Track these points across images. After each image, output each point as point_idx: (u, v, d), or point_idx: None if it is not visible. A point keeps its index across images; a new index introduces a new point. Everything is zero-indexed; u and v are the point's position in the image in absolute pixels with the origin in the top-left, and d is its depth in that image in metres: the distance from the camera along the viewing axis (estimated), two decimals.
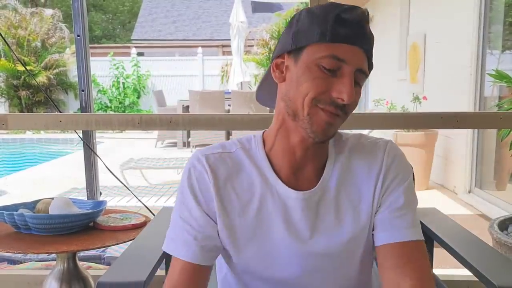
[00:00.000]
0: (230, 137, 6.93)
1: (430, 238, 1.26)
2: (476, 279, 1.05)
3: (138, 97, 11.86)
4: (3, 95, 11.06)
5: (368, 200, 0.87)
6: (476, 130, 4.00)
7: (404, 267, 0.83)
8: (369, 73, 0.83)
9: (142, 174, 5.35)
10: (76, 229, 1.55)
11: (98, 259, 2.42)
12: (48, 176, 5.91)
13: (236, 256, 0.89)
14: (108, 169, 2.22)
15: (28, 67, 10.20)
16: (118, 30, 22.74)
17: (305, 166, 0.87)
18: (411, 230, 0.86)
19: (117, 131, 8.60)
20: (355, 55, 0.79)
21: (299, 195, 0.86)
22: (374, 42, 0.85)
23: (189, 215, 0.86)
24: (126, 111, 11.34)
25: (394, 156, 0.89)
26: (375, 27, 3.99)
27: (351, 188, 0.88)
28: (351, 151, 0.90)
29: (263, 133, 0.91)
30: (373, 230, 0.88)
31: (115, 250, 2.39)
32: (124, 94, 11.71)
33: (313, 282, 0.89)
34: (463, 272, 1.26)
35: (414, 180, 0.96)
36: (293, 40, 0.82)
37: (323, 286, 0.90)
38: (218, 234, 0.87)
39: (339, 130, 0.89)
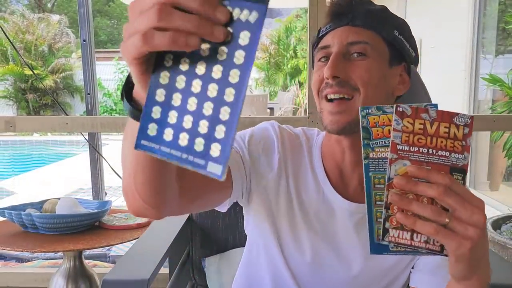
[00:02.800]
0: None
1: None
2: None
3: None
4: (11, 98, 11.17)
5: None
6: None
7: None
8: (394, 33, 0.82)
9: None
10: (82, 229, 1.58)
11: (103, 258, 2.45)
12: (55, 176, 5.97)
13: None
14: (113, 170, 2.26)
15: (35, 71, 10.27)
16: (122, 35, 22.85)
17: (352, 174, 0.83)
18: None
19: (122, 133, 8.64)
20: (337, 36, 0.78)
21: (345, 204, 0.83)
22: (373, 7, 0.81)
23: (244, 140, 0.86)
24: None
25: None
26: None
27: None
28: None
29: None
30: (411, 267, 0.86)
31: (119, 249, 2.43)
32: None
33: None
34: None
35: None
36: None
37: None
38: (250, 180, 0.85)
39: None
